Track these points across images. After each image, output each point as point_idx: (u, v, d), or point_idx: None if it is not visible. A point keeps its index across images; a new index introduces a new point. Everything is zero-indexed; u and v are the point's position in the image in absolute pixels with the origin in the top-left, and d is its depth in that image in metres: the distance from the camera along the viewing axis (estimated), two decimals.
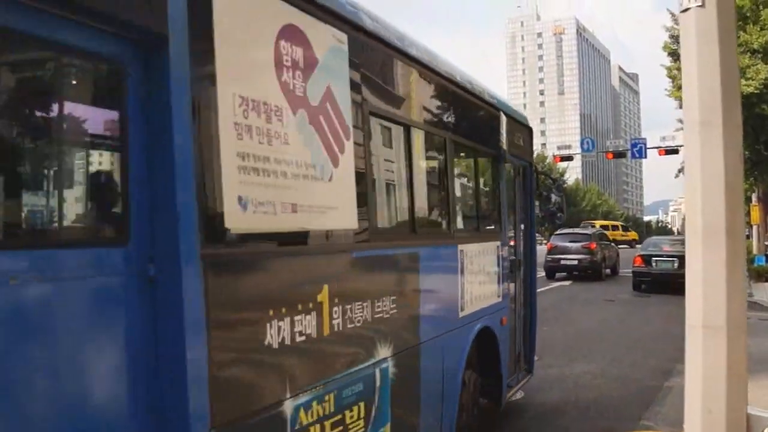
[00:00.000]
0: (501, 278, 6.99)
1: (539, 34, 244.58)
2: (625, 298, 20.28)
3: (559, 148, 59.69)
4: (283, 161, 3.26)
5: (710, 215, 4.07)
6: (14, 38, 2.19)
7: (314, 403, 3.47)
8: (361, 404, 3.98)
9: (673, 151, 43.11)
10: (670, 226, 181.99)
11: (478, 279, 6.25)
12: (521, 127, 8.12)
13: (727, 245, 4.01)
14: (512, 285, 7.54)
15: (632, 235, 62.69)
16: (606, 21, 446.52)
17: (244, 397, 2.97)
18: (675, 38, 26.30)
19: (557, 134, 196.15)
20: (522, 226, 8.22)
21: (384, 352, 4.29)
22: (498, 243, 6.96)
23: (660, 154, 43.41)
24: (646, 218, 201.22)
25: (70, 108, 2.59)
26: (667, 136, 45.07)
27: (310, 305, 3.45)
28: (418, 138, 5.20)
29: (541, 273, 22.82)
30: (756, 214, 34.97)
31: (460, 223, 6.30)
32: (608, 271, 27.37)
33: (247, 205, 2.97)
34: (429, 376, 5.08)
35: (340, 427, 3.74)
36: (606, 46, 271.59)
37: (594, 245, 25.48)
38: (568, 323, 14.75)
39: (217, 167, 2.82)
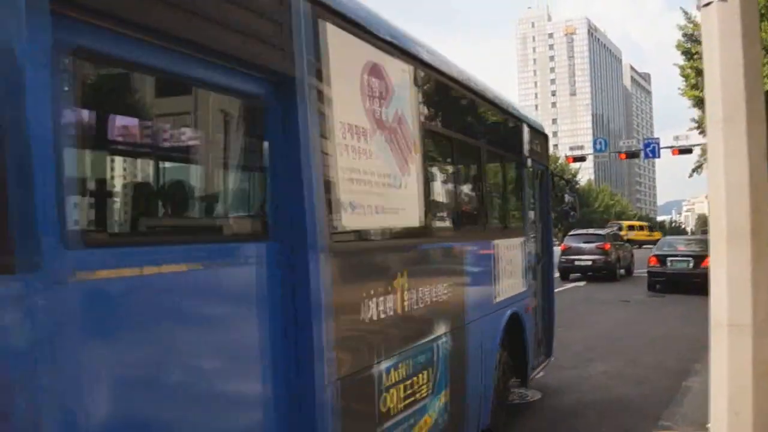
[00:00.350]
0: (525, 270, 7.78)
1: (550, 35, 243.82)
2: (641, 298, 20.14)
3: (571, 148, 59.38)
4: (370, 173, 4.14)
5: (734, 213, 4.01)
6: (191, 83, 3.10)
7: (394, 368, 4.29)
8: (427, 371, 4.83)
9: (686, 150, 42.82)
10: (683, 226, 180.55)
11: (507, 270, 7.06)
12: (539, 135, 8.89)
13: (752, 243, 3.94)
14: (534, 277, 8.31)
15: (657, 235, 62.39)
16: (617, 20, 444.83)
17: (354, 357, 3.88)
18: (688, 36, 26.09)
19: (569, 135, 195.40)
20: (541, 224, 8.97)
21: (441, 329, 5.13)
22: (522, 239, 7.73)
23: (673, 154, 43.12)
24: (659, 218, 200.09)
25: (226, 134, 3.54)
26: (681, 135, 44.75)
27: (390, 288, 4.29)
28: (460, 149, 6.13)
29: (555, 274, 22.71)
30: None
31: (492, 221, 7.17)
32: (622, 271, 27.19)
33: (354, 207, 3.89)
34: (473, 352, 5.87)
35: (411, 390, 4.52)
36: (618, 46, 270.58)
37: (608, 246, 25.33)
38: (584, 325, 14.65)
39: (335, 179, 3.69)
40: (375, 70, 4.27)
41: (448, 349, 5.21)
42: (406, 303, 4.47)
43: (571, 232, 27.06)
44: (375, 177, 4.19)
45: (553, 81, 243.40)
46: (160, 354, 2.64)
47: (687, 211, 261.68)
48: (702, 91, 25.96)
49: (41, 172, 2.07)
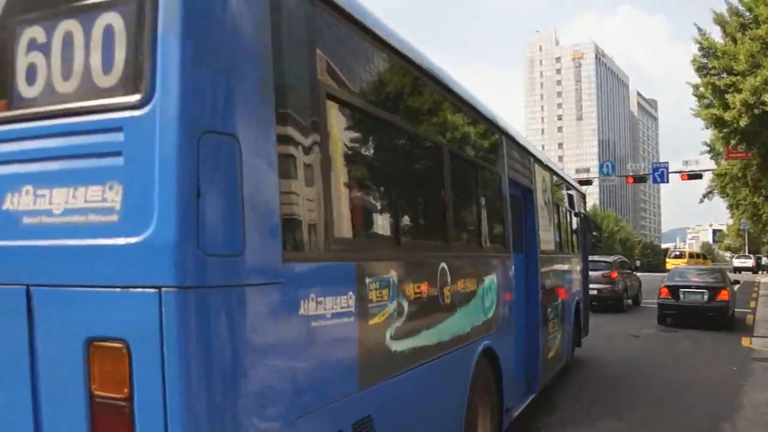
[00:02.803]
0: (580, 278, 12.85)
1: (557, 59, 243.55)
2: (651, 333, 18.27)
3: (577, 171, 57.88)
4: (552, 223, 10.25)
5: None
6: (473, 175, 6.44)
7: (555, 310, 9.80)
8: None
9: (696, 176, 41.21)
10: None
11: (576, 275, 12.34)
12: (582, 195, 14.18)
13: None
14: (581, 283, 13.02)
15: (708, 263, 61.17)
16: (625, 46, 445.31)
17: (549, 301, 9.39)
18: (705, 50, 24.49)
19: (575, 160, 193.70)
20: (582, 252, 13.54)
21: (569, 300, 11.14)
22: (579, 258, 12.94)
23: (683, 179, 41.48)
24: (663, 245, 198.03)
25: (482, 190, 6.71)
26: (690, 160, 43.16)
27: (562, 276, 10.56)
28: (562, 214, 11.25)
29: None
30: None
31: (572, 248, 12.36)
32: (629, 301, 25.32)
33: (545, 239, 9.24)
34: (568, 317, 10.98)
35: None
36: (625, 72, 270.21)
37: (615, 274, 23.33)
38: (590, 364, 12.84)
39: (542, 226, 9.03)
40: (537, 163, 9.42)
41: (567, 314, 11.03)
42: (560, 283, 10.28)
43: None
44: (554, 225, 10.18)
45: (560, 105, 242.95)
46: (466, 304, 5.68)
47: (692, 239, 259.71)
48: (718, 109, 24.64)
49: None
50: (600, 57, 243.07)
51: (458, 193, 5.82)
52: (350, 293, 3.59)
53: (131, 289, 2.59)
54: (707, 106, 25.26)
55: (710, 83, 24.11)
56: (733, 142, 25.50)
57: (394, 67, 4.54)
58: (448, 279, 5.14)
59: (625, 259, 28.18)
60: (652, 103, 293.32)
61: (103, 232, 2.66)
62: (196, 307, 2.60)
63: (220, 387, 2.67)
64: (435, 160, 5.26)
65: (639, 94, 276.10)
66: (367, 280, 3.80)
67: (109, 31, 2.76)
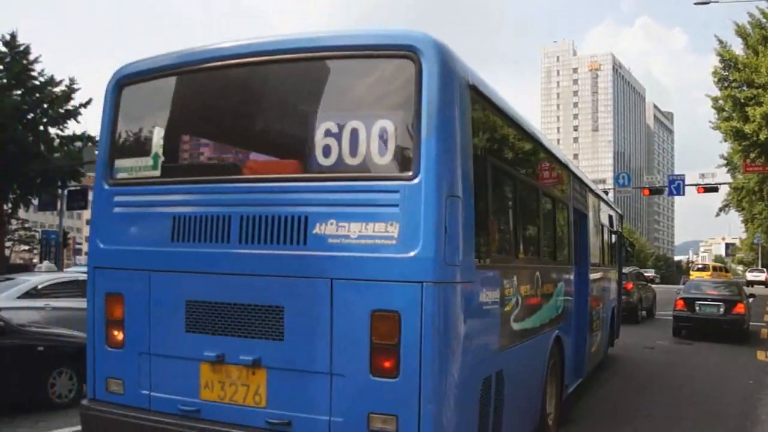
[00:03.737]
0: (616, 287, 15.18)
1: (575, 70, 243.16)
2: (666, 345, 18.15)
3: (593, 181, 57.62)
4: (599, 240, 12.77)
5: None
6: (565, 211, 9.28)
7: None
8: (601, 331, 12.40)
9: (712, 189, 40.89)
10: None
11: (614, 285, 14.78)
12: (620, 216, 16.73)
13: None
14: (616, 291, 15.34)
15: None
16: (641, 59, 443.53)
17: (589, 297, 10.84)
18: (726, 62, 24.32)
19: (590, 171, 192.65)
20: (618, 263, 15.87)
21: (608, 305, 13.48)
22: (616, 271, 15.21)
23: (699, 192, 41.06)
24: (676, 258, 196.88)
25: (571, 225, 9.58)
26: (707, 173, 42.85)
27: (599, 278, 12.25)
28: (604, 233, 13.41)
29: None
30: None
31: (612, 261, 14.70)
32: (644, 313, 25.17)
33: (593, 254, 11.42)
34: (606, 319, 13.13)
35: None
36: (641, 84, 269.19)
37: (630, 285, 23.20)
38: (607, 376, 12.77)
39: (592, 244, 11.29)
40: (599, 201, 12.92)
41: (609, 316, 13.89)
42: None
43: None
44: (599, 242, 12.42)
45: (576, 116, 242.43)
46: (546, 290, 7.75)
47: (704, 252, 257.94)
48: (738, 121, 24.43)
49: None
50: (617, 68, 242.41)
51: (546, 220, 7.99)
52: (497, 289, 5.65)
53: (403, 283, 4.52)
54: (726, 119, 25.06)
55: (730, 96, 23.93)
56: (753, 155, 25.25)
57: (533, 148, 7.49)
58: (540, 283, 7.29)
59: (641, 271, 28.02)
60: (668, 116, 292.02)
61: (386, 250, 4.57)
62: (440, 294, 4.54)
63: (448, 336, 4.62)
64: (536, 198, 7.50)
65: (655, 107, 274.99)
66: (504, 282, 5.82)
67: (384, 131, 4.70)
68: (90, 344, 5.73)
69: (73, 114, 36.88)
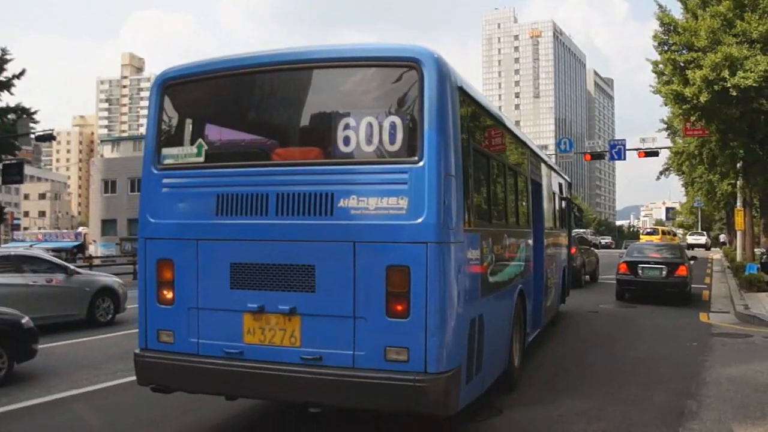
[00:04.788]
0: (566, 249, 16.62)
1: (516, 37, 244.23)
2: (609, 308, 18.21)
3: None
4: (547, 208, 13.67)
5: None
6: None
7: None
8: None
9: (653, 153, 41.26)
10: (642, 231, 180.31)
11: (564, 247, 16.16)
12: (569, 183, 17.80)
13: None
14: (566, 253, 16.73)
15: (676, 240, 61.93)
16: (582, 26, 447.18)
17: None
18: (665, 26, 24.29)
19: (532, 138, 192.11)
20: (566, 228, 16.79)
21: (560, 265, 14.99)
22: (566, 234, 16.55)
23: (640, 156, 41.36)
24: (618, 222, 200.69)
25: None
26: (647, 138, 43.19)
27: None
28: (556, 200, 14.72)
29: None
30: (740, 219, 33.26)
31: (562, 225, 15.85)
32: (587, 277, 25.37)
33: (546, 218, 13.11)
34: (558, 278, 14.69)
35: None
36: (582, 51, 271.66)
37: (574, 250, 23.23)
38: (548, 339, 12.61)
39: (547, 210, 13.03)
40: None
41: (563, 270, 16.06)
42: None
43: None
44: (551, 208, 13.85)
45: (517, 83, 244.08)
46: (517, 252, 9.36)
47: (645, 216, 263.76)
48: (678, 85, 24.49)
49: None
50: (558, 35, 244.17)
51: (511, 190, 9.08)
52: (478, 248, 6.84)
53: (412, 243, 5.66)
54: (667, 83, 25.08)
55: (671, 59, 23.91)
56: (693, 118, 25.36)
57: (501, 132, 8.74)
58: (508, 243, 8.53)
59: (585, 236, 28.17)
60: (609, 82, 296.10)
61: (397, 218, 5.70)
62: (440, 251, 5.68)
63: (446, 283, 5.77)
64: (503, 173, 8.66)
65: (596, 73, 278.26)
66: (482, 242, 7.00)
67: (393, 124, 5.85)
68: (141, 302, 6.73)
69: (6, 85, 35.69)
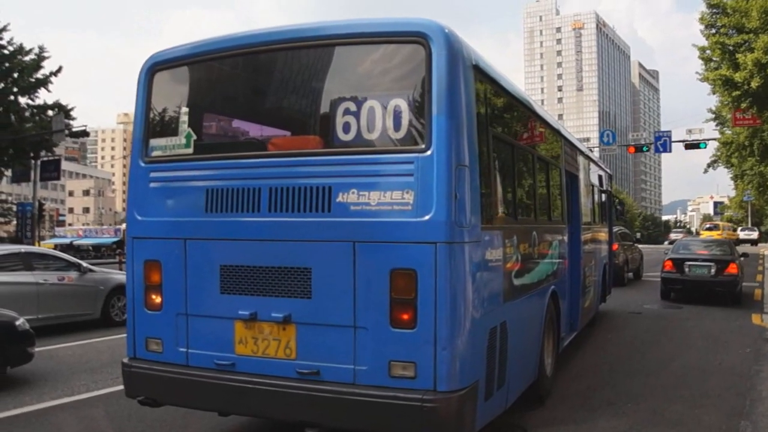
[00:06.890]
0: (607, 245, 15.54)
1: (558, 29, 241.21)
2: (654, 309, 17.07)
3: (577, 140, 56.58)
4: (586, 201, 13.02)
5: None
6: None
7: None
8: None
9: (694, 146, 39.68)
10: (689, 226, 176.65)
11: (605, 243, 15.12)
12: (609, 176, 16.74)
13: None
14: (607, 249, 15.67)
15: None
16: (626, 17, 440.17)
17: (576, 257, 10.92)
18: (714, 7, 22.94)
19: (575, 131, 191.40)
20: (609, 221, 16.08)
21: (599, 263, 13.96)
22: (606, 229, 15.48)
23: (686, 148, 39.85)
24: (664, 217, 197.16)
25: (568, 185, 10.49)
26: (694, 129, 41.62)
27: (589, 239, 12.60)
28: (595, 193, 13.79)
29: None
30: None
31: (602, 220, 14.93)
32: (631, 275, 24.15)
33: (584, 213, 12.20)
34: (598, 277, 13.57)
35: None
36: (626, 42, 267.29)
37: (616, 246, 22.07)
38: (586, 343, 11.63)
39: (584, 206, 12.11)
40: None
41: (605, 266, 15.25)
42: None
43: None
44: (590, 201, 13.05)
45: (560, 76, 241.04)
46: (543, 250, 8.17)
47: (692, 211, 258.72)
48: (728, 69, 23.18)
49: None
50: (601, 27, 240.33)
51: (541, 182, 8.25)
52: (500, 248, 6.07)
53: (419, 243, 5.02)
54: (715, 69, 23.79)
55: (719, 43, 22.62)
56: (743, 106, 23.98)
57: (529, 118, 8.01)
58: (537, 241, 7.74)
59: (627, 231, 26.92)
60: (654, 74, 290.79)
61: (402, 215, 5.07)
62: (452, 252, 5.02)
63: (459, 289, 5.10)
64: (531, 163, 7.84)
65: (640, 65, 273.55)
66: (505, 241, 6.24)
67: (398, 109, 5.19)
68: (129, 308, 6.24)
69: (44, 83, 36.14)
